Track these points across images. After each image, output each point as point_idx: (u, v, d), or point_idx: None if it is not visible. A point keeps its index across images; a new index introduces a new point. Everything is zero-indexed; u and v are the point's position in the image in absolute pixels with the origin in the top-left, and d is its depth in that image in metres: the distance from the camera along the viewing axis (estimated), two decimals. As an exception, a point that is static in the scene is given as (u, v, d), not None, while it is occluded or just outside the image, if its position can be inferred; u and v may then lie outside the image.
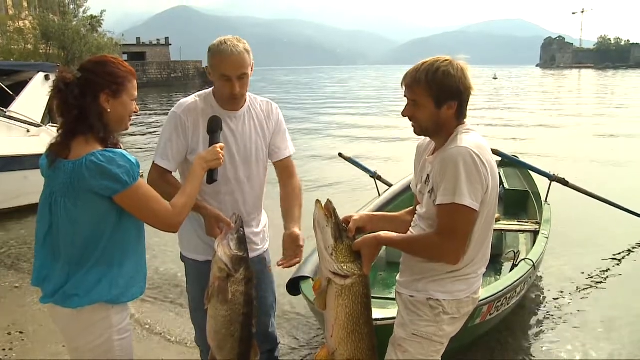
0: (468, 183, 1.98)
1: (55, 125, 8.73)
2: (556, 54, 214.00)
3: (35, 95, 8.63)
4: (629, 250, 6.23)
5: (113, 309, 2.02)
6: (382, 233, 2.19)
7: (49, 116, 9.01)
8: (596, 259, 5.90)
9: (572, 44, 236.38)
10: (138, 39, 67.95)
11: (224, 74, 2.38)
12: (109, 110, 2.00)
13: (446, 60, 2.09)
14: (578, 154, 12.35)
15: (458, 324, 2.21)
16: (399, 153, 12.60)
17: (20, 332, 4.20)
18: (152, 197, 2.01)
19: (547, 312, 4.66)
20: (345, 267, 2.11)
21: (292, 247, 2.47)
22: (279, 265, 2.47)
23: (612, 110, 24.92)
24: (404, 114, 2.17)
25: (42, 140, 8.09)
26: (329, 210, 2.15)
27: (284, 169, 2.71)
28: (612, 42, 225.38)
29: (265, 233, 2.75)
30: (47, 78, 8.82)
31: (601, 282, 5.44)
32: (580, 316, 4.62)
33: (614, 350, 4.05)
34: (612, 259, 5.98)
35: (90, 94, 1.97)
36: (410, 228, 2.28)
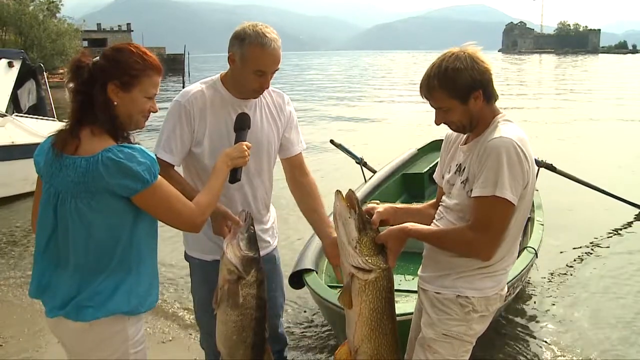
0: (510, 176, 1.88)
1: (20, 114, 8.43)
2: (518, 40, 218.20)
3: (-2, 82, 8.21)
4: (612, 234, 6.32)
5: (129, 321, 1.84)
6: (409, 225, 2.07)
7: (12, 105, 8.60)
8: (583, 244, 5.95)
9: (533, 29, 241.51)
10: (99, 24, 66.13)
11: (261, 70, 2.22)
12: (115, 102, 1.80)
13: (452, 55, 1.99)
14: (555, 139, 12.49)
15: (487, 322, 2.13)
16: (377, 138, 12.55)
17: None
18: (174, 195, 1.83)
19: (539, 298, 4.67)
20: (369, 261, 2.00)
21: None
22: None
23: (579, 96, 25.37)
24: (437, 123, 2.08)
25: (7, 130, 7.69)
26: (352, 201, 2.03)
27: (298, 166, 2.56)
28: (571, 27, 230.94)
29: (275, 229, 2.61)
30: (10, 65, 8.39)
31: (589, 266, 5.49)
32: (571, 302, 4.65)
33: (606, 335, 4.06)
34: (599, 243, 6.06)
35: (99, 81, 1.78)
36: (435, 221, 2.17)
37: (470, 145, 2.05)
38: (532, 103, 21.52)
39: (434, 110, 2.09)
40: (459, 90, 1.96)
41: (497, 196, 1.88)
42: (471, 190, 1.96)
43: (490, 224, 1.93)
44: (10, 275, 5.20)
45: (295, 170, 2.56)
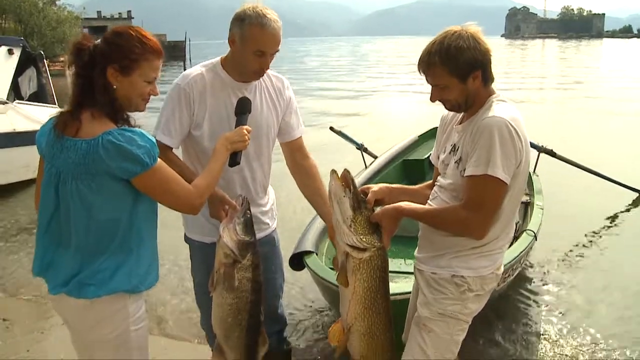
0: (502, 155, 1.89)
1: (22, 102, 8.43)
2: (521, 24, 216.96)
3: (-1, 70, 8.20)
4: (612, 217, 6.36)
5: (130, 299, 1.88)
6: (404, 204, 2.08)
7: (13, 93, 8.60)
8: (582, 228, 5.99)
9: (536, 14, 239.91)
10: (99, 12, 65.91)
11: (261, 50, 2.24)
12: (115, 86, 1.82)
13: (454, 33, 1.98)
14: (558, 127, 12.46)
15: (482, 301, 2.15)
16: (377, 126, 12.54)
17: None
18: (173, 178, 1.86)
19: (539, 280, 4.71)
20: (364, 239, 2.02)
21: None
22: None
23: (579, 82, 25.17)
24: (432, 100, 2.08)
25: (9, 117, 7.70)
26: (347, 180, 2.05)
27: (298, 149, 2.58)
28: (575, 12, 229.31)
29: (274, 211, 2.64)
30: (10, 52, 8.37)
31: (589, 249, 5.53)
32: (569, 283, 4.69)
33: (605, 317, 4.10)
34: (598, 226, 6.10)
35: (99, 65, 1.80)
36: (429, 200, 2.18)
37: (465, 125, 2.06)
38: (535, 89, 21.45)
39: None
40: (459, 68, 1.96)
41: (489, 175, 1.89)
42: (464, 170, 1.97)
43: (483, 203, 1.94)
44: (15, 259, 5.26)
45: (296, 154, 2.58)
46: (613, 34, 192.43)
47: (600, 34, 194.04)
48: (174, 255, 4.72)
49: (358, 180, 4.85)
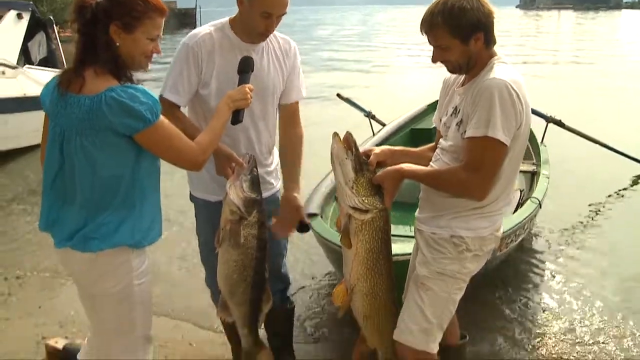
0: (502, 116, 1.90)
1: (32, 66, 8.45)
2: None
3: (8, 34, 8.18)
4: (619, 189, 6.36)
5: (133, 253, 1.93)
6: (405, 165, 2.12)
7: (23, 57, 8.61)
8: (588, 198, 5.99)
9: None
10: (108, -22, 65.20)
11: (267, 11, 2.25)
12: (117, 43, 1.83)
13: None
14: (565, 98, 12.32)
15: (481, 262, 2.19)
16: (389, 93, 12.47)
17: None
18: (175, 135, 1.89)
19: (542, 247, 4.77)
20: (366, 201, 2.06)
21: (291, 215, 2.43)
22: (273, 231, 2.42)
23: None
24: (434, 61, 2.08)
25: (19, 82, 7.72)
26: (349, 142, 2.08)
27: (290, 115, 2.58)
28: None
29: (278, 171, 2.67)
30: (19, 17, 8.35)
31: (595, 219, 5.56)
32: (572, 251, 4.75)
33: (605, 286, 4.14)
34: (605, 197, 6.11)
35: (102, 22, 1.81)
36: (431, 162, 2.21)
37: (466, 87, 2.07)
38: (550, 63, 21.05)
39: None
40: (462, 29, 1.97)
41: (489, 136, 1.91)
42: (465, 132, 1.99)
43: (483, 164, 1.96)
44: (27, 221, 5.38)
45: (288, 119, 2.59)
46: (632, 5, 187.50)
47: (618, 5, 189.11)
48: (182, 216, 4.80)
49: (365, 148, 4.87)
